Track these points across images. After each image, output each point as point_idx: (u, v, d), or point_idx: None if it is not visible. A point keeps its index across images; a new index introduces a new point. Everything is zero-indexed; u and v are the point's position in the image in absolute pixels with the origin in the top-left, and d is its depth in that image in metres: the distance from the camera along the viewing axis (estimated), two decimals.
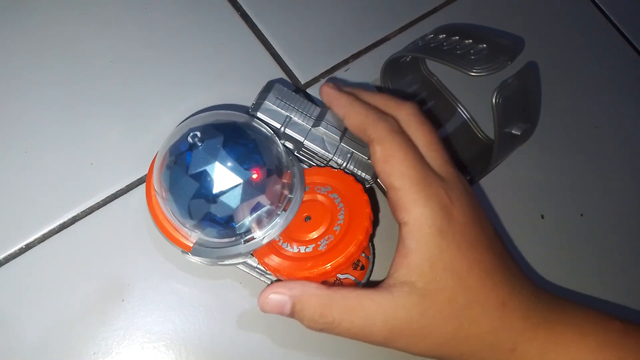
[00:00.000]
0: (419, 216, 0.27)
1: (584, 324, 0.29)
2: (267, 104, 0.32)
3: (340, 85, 0.33)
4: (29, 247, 0.32)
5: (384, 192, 0.39)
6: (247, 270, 0.33)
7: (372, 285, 0.29)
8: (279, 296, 0.28)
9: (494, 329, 0.27)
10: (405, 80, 0.42)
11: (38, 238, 0.33)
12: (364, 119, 0.30)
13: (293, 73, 0.40)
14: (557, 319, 0.29)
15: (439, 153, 0.31)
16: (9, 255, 0.32)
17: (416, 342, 0.27)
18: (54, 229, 0.33)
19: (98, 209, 0.34)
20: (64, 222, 0.33)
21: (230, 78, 0.39)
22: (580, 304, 0.30)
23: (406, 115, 0.31)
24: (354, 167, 0.33)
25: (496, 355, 0.28)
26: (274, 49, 0.41)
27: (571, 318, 0.29)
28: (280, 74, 0.40)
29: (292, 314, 0.28)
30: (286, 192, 0.31)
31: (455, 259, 0.27)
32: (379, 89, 0.42)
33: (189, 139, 0.28)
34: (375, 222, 0.37)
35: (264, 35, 0.41)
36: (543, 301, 0.29)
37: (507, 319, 0.27)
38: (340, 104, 0.32)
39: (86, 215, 0.34)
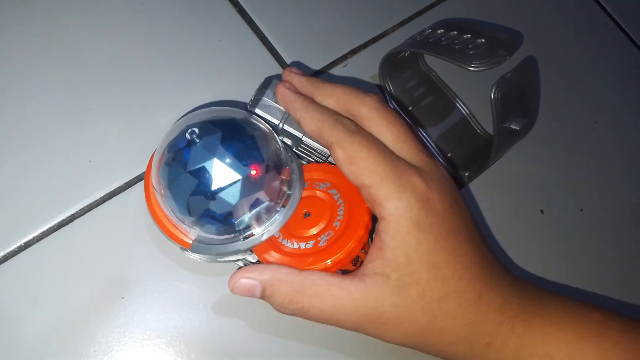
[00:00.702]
0: (394, 210, 0.27)
1: (562, 315, 0.28)
2: (265, 100, 0.32)
3: (301, 75, 0.32)
4: (28, 245, 0.32)
5: None
6: None
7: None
8: (249, 281, 0.28)
9: (469, 322, 0.27)
10: (404, 75, 0.42)
11: (37, 236, 0.33)
12: (319, 123, 0.29)
13: None
14: (535, 310, 0.28)
15: (408, 143, 0.30)
16: (8, 253, 0.32)
17: (388, 331, 0.28)
18: (52, 226, 0.33)
19: (97, 206, 0.34)
20: (63, 220, 0.33)
21: (228, 75, 0.39)
22: (559, 294, 0.30)
23: (369, 110, 0.30)
24: None
25: (472, 348, 0.28)
26: (272, 44, 0.41)
27: (549, 309, 0.29)
28: (278, 70, 0.40)
29: (262, 298, 0.29)
30: (285, 188, 0.31)
31: (433, 251, 0.27)
32: (378, 87, 0.42)
33: (187, 136, 0.28)
34: (374, 218, 0.37)
35: (261, 31, 0.41)
36: (521, 292, 0.29)
37: (483, 312, 0.27)
38: (295, 107, 0.31)
39: (85, 213, 0.34)
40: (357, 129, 0.29)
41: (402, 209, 0.27)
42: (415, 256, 0.27)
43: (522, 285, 0.30)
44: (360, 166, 0.28)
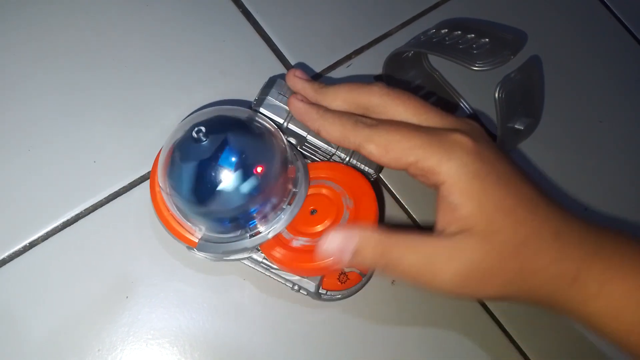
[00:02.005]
0: (450, 171, 0.27)
1: (636, 254, 0.28)
2: (270, 99, 0.32)
3: (305, 81, 0.32)
4: (32, 244, 0.32)
5: (388, 188, 0.39)
6: (252, 266, 0.33)
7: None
8: (340, 238, 0.27)
9: (554, 259, 0.27)
10: (408, 75, 0.42)
11: (42, 236, 0.33)
12: (341, 128, 0.29)
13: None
14: (613, 249, 0.28)
15: (430, 112, 0.30)
16: (13, 253, 0.32)
17: (484, 285, 0.27)
18: (57, 226, 0.33)
19: (101, 206, 0.34)
20: (68, 220, 0.33)
21: (232, 75, 0.39)
22: (631, 235, 0.30)
23: (379, 97, 0.30)
24: (357, 161, 0.33)
25: (560, 286, 0.27)
26: (276, 45, 0.41)
27: (626, 248, 0.28)
28: (282, 70, 0.40)
29: (353, 256, 0.27)
30: (291, 186, 0.31)
31: (500, 197, 0.27)
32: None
33: (193, 134, 0.28)
34: (380, 217, 0.37)
35: (265, 32, 0.41)
36: (594, 231, 0.29)
37: (564, 249, 0.27)
38: (312, 117, 0.30)
39: (89, 213, 0.34)
40: (378, 121, 0.29)
41: (457, 167, 0.26)
42: (488, 206, 0.26)
43: (592, 225, 0.29)
44: (397, 149, 0.27)
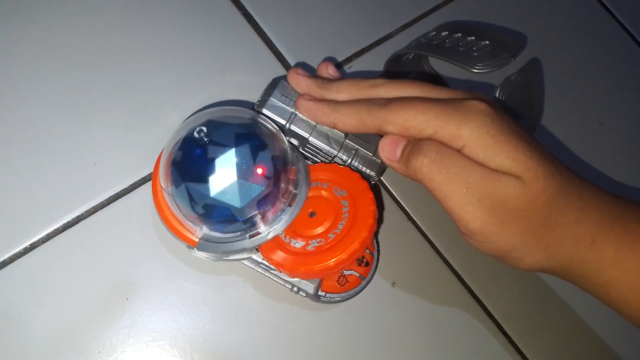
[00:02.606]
0: (470, 132, 0.27)
1: None
2: (273, 100, 0.32)
3: (307, 77, 0.32)
4: (33, 246, 0.32)
5: (389, 191, 0.39)
6: (252, 266, 0.33)
7: None
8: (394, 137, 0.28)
9: (576, 219, 0.27)
10: (408, 77, 0.42)
11: (42, 237, 0.33)
12: (356, 116, 0.29)
13: None
14: (630, 216, 0.29)
15: (439, 89, 0.30)
16: (13, 254, 0.32)
17: (508, 223, 0.27)
18: (58, 228, 0.33)
19: (102, 208, 0.34)
20: (69, 222, 0.33)
21: (233, 76, 0.39)
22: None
23: (383, 86, 0.30)
24: (359, 163, 0.33)
25: (578, 246, 0.28)
26: (277, 47, 0.41)
27: None
28: (282, 72, 0.40)
29: (405, 156, 0.28)
30: (291, 187, 0.31)
31: (530, 150, 0.27)
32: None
33: (195, 135, 0.28)
34: (379, 220, 0.37)
35: (266, 34, 0.41)
36: (613, 198, 0.29)
37: (585, 210, 0.27)
38: (324, 112, 0.31)
39: (90, 215, 0.34)
40: (390, 99, 0.29)
41: (477, 127, 0.27)
42: (518, 154, 0.26)
43: (609, 193, 0.30)
44: (415, 124, 0.27)
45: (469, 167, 0.27)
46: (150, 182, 0.33)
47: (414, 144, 0.28)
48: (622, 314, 0.29)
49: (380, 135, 0.34)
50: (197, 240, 0.31)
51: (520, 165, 0.26)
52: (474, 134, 0.27)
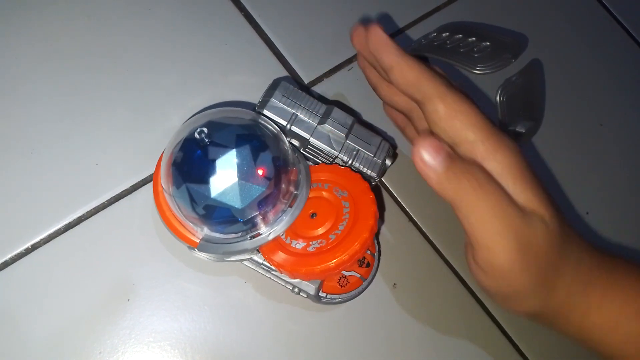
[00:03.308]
0: (504, 159, 0.26)
1: (635, 272, 0.30)
2: (274, 101, 0.32)
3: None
4: (35, 247, 0.32)
5: (390, 192, 0.39)
6: (253, 267, 0.33)
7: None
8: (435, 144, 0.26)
9: (574, 266, 0.28)
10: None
11: (44, 238, 0.33)
12: (418, 73, 0.27)
13: (297, 72, 0.41)
14: (613, 260, 0.30)
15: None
16: (15, 255, 0.32)
17: (530, 264, 0.26)
18: (59, 229, 0.33)
19: (103, 209, 0.34)
20: (70, 223, 0.33)
21: (234, 77, 0.39)
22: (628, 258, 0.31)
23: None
24: (360, 164, 0.33)
25: (571, 291, 0.28)
26: (278, 49, 0.41)
27: (628, 265, 0.30)
28: (283, 72, 0.40)
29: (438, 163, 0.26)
30: (292, 188, 0.31)
31: (541, 192, 0.27)
32: None
33: (196, 136, 0.28)
34: (380, 221, 0.37)
35: (267, 35, 0.41)
36: (599, 248, 0.30)
37: (580, 258, 0.28)
38: (390, 51, 0.28)
39: (92, 216, 0.34)
40: (456, 86, 0.28)
41: (510, 158, 0.26)
42: (542, 195, 0.27)
43: (595, 246, 0.30)
44: (465, 121, 0.26)
45: (508, 199, 0.26)
46: (152, 183, 0.33)
47: (461, 161, 0.27)
48: (604, 355, 0.29)
49: (380, 136, 0.34)
50: (198, 241, 0.31)
51: (544, 206, 0.26)
52: (507, 161, 0.26)
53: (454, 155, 0.27)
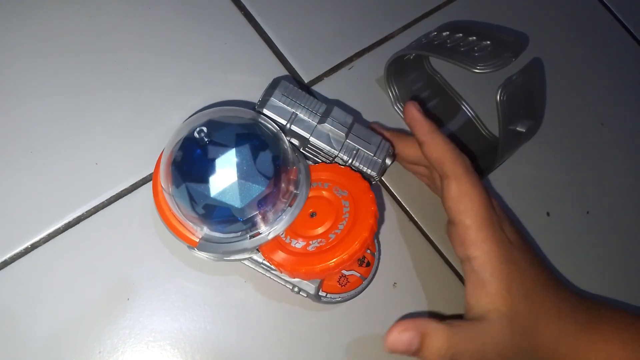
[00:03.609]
0: (489, 250, 0.30)
1: (619, 324, 0.33)
2: (274, 100, 0.32)
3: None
4: (34, 246, 0.32)
5: (390, 191, 0.39)
6: (253, 266, 0.33)
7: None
8: (409, 334, 0.29)
9: (555, 336, 0.31)
10: (409, 78, 0.42)
11: (43, 237, 0.33)
12: (443, 152, 0.32)
13: (297, 72, 0.41)
14: (599, 319, 0.32)
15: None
16: (14, 254, 0.32)
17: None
18: (59, 228, 0.33)
19: (103, 208, 0.34)
20: (69, 222, 0.33)
21: (234, 76, 0.39)
22: (615, 306, 0.34)
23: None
24: (360, 163, 0.33)
25: (556, 358, 0.31)
26: (277, 48, 0.41)
27: (608, 318, 0.33)
28: (283, 72, 0.40)
29: (418, 350, 0.29)
30: (292, 188, 0.31)
31: (523, 281, 0.30)
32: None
33: (196, 135, 0.28)
34: (380, 220, 0.37)
35: (267, 35, 0.41)
36: (585, 304, 0.33)
37: (563, 325, 0.31)
38: (423, 130, 0.33)
39: (91, 215, 0.34)
40: (473, 169, 0.32)
41: (495, 250, 0.30)
42: (512, 287, 0.30)
43: (584, 298, 0.33)
44: (468, 206, 0.31)
45: (482, 346, 0.29)
46: (151, 182, 0.33)
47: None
48: None
49: (380, 136, 0.34)
50: (197, 240, 0.31)
51: (510, 299, 0.30)
52: (492, 253, 0.30)
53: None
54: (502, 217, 0.32)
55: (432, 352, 0.29)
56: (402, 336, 0.29)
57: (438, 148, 0.33)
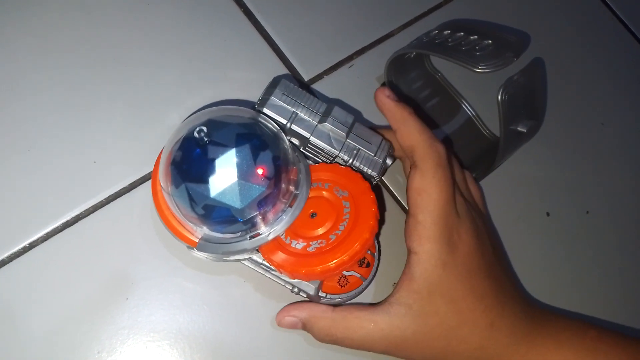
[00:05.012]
0: (428, 250, 0.30)
1: (562, 334, 0.32)
2: (274, 99, 0.32)
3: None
4: (32, 245, 0.32)
5: (390, 191, 0.39)
6: (252, 267, 0.33)
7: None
8: (291, 318, 0.32)
9: (480, 346, 0.31)
10: (410, 76, 0.42)
11: (42, 237, 0.32)
12: (415, 142, 0.32)
13: (297, 70, 0.40)
14: (539, 331, 0.32)
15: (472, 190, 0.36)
16: (12, 253, 0.32)
17: (412, 354, 0.31)
18: (57, 227, 0.33)
19: (101, 207, 0.34)
20: (68, 221, 0.33)
21: (233, 74, 0.39)
22: (563, 315, 0.34)
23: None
24: (360, 163, 0.33)
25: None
26: (277, 45, 0.41)
27: (551, 329, 0.32)
28: (283, 70, 0.40)
29: (304, 330, 0.32)
30: (292, 188, 0.31)
31: (453, 287, 0.30)
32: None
33: (195, 134, 0.28)
34: (381, 221, 0.37)
35: (267, 32, 0.41)
36: (529, 317, 0.32)
37: (493, 337, 0.31)
38: (395, 117, 0.33)
39: (90, 214, 0.34)
40: (445, 163, 0.32)
41: (435, 251, 0.30)
42: (437, 291, 0.30)
43: (531, 309, 0.33)
44: (425, 203, 0.31)
45: (367, 334, 0.31)
46: (150, 181, 0.33)
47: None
48: None
49: (381, 135, 0.34)
50: (197, 240, 0.30)
51: (428, 300, 0.30)
52: (430, 253, 0.30)
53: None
54: (466, 219, 0.32)
55: (314, 334, 0.32)
56: (285, 321, 0.32)
57: (411, 136, 0.32)
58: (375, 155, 0.33)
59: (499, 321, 0.31)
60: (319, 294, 0.32)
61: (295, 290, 0.32)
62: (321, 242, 0.30)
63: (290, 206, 0.31)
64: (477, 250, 0.32)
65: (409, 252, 0.31)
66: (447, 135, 0.42)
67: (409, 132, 0.32)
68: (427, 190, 0.31)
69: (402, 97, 0.41)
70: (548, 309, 0.34)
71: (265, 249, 0.31)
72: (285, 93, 0.32)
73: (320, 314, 0.31)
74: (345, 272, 0.33)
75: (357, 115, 0.40)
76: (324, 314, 0.31)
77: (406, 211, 0.39)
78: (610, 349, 0.32)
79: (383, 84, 0.40)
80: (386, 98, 0.33)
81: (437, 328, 0.30)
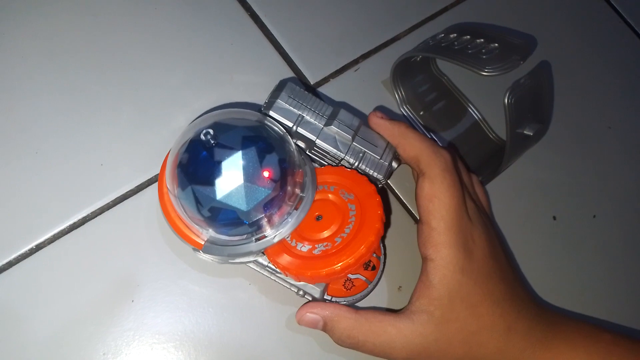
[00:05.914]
0: (446, 256, 0.30)
1: (576, 337, 0.32)
2: (280, 102, 0.32)
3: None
4: (39, 247, 0.32)
5: (396, 194, 0.39)
6: (258, 269, 0.33)
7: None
8: (313, 315, 0.31)
9: (499, 349, 0.31)
10: (416, 80, 0.42)
11: (48, 238, 0.33)
12: (418, 152, 0.32)
13: (303, 73, 0.40)
14: (554, 334, 0.32)
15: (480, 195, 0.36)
16: (19, 255, 0.32)
17: None
18: (64, 229, 0.33)
19: (108, 209, 0.34)
20: (74, 223, 0.33)
21: (240, 78, 0.39)
22: (577, 319, 0.34)
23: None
24: (366, 166, 0.33)
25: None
26: (284, 49, 0.41)
27: (566, 332, 0.32)
28: (289, 73, 0.40)
29: (323, 330, 0.31)
30: (298, 190, 0.31)
31: (471, 292, 0.30)
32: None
33: (202, 137, 0.28)
34: (386, 224, 0.37)
35: (273, 35, 0.41)
36: (544, 320, 0.33)
37: (511, 341, 0.31)
38: (393, 134, 0.33)
39: (96, 216, 0.34)
40: (452, 168, 0.32)
41: (452, 257, 0.30)
42: (457, 297, 0.30)
43: (545, 313, 0.33)
44: (437, 208, 0.31)
45: (389, 340, 0.30)
46: (157, 183, 0.33)
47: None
48: None
49: (385, 141, 0.34)
50: (203, 243, 0.30)
51: (449, 306, 0.30)
52: (447, 259, 0.30)
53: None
54: (478, 223, 0.32)
55: (334, 334, 0.31)
56: (306, 317, 0.31)
57: (413, 148, 0.33)
58: (381, 158, 0.33)
59: (516, 325, 0.31)
60: (325, 297, 0.32)
61: (301, 292, 0.32)
62: (327, 245, 0.30)
63: (296, 209, 0.31)
64: (490, 254, 0.32)
65: (424, 259, 0.31)
66: (453, 138, 0.42)
67: (411, 143, 0.33)
68: (438, 196, 0.31)
69: (408, 101, 0.41)
70: (558, 312, 0.34)
71: (271, 252, 0.31)
72: (292, 96, 0.32)
73: (344, 314, 0.31)
74: (350, 275, 0.33)
75: (363, 119, 0.40)
76: (348, 314, 0.31)
77: (411, 214, 0.39)
78: (625, 353, 0.32)
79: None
80: (380, 119, 0.34)
81: (458, 334, 0.30)
